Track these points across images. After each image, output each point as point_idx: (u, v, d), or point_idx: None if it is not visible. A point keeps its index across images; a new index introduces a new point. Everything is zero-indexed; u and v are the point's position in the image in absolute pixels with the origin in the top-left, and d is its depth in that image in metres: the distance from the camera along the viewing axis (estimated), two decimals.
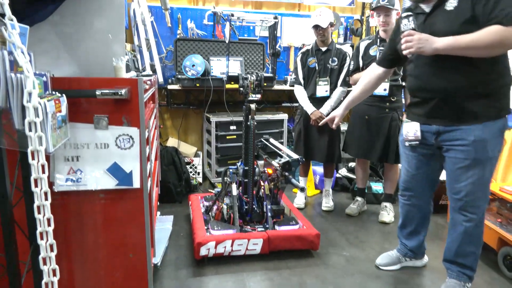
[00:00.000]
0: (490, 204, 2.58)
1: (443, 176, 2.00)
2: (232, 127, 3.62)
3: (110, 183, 1.44)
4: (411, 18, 1.82)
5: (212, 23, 3.92)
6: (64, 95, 1.24)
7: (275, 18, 2.61)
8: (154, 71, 3.55)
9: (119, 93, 1.34)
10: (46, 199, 1.07)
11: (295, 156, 2.51)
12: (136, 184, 1.47)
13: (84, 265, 1.49)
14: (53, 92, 1.22)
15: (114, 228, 1.50)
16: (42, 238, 1.09)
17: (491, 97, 1.74)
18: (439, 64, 1.76)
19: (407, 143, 2.00)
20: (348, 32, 4.34)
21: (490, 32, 1.58)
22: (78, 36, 1.45)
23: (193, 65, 3.44)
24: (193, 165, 3.77)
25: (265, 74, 2.55)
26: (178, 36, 3.80)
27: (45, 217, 1.08)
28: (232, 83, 3.48)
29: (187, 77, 3.46)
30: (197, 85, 3.48)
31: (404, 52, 1.77)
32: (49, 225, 1.09)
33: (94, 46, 1.47)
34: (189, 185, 3.53)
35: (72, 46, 1.45)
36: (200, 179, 3.82)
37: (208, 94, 3.53)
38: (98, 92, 1.32)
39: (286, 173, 2.48)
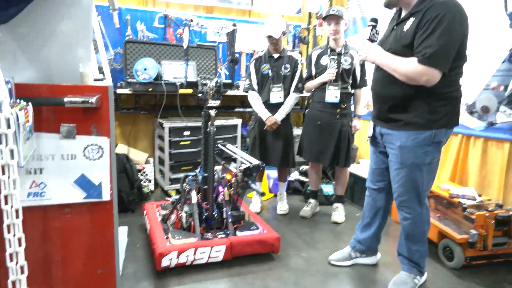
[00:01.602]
0: (429, 201, 2.85)
1: None
2: (186, 133, 3.55)
3: (77, 196, 1.36)
4: (369, 29, 1.95)
5: (163, 25, 3.83)
6: (30, 103, 1.14)
7: (234, 25, 2.65)
8: (102, 74, 3.37)
9: (90, 101, 1.27)
10: (17, 217, 0.98)
11: (255, 161, 2.55)
12: (106, 196, 1.40)
13: (50, 285, 1.38)
14: (18, 100, 1.12)
15: (82, 244, 1.40)
16: (11, 260, 1.00)
17: (421, 109, 1.83)
18: (381, 73, 1.95)
19: (367, 139, 2.22)
20: (296, 40, 4.51)
21: (407, 63, 1.77)
22: (39, 39, 1.33)
23: (145, 69, 3.33)
24: (144, 172, 3.64)
25: (224, 80, 2.55)
26: (127, 38, 3.65)
27: (16, 237, 0.99)
28: (186, 88, 3.43)
29: (139, 81, 3.34)
30: (150, 89, 3.36)
31: (359, 58, 2.01)
32: (19, 245, 1.00)
33: (58, 50, 1.35)
34: (141, 193, 3.41)
35: (32, 49, 1.33)
36: (152, 187, 3.70)
37: (160, 99, 3.43)
38: (66, 100, 1.24)
39: (246, 179, 2.51)
